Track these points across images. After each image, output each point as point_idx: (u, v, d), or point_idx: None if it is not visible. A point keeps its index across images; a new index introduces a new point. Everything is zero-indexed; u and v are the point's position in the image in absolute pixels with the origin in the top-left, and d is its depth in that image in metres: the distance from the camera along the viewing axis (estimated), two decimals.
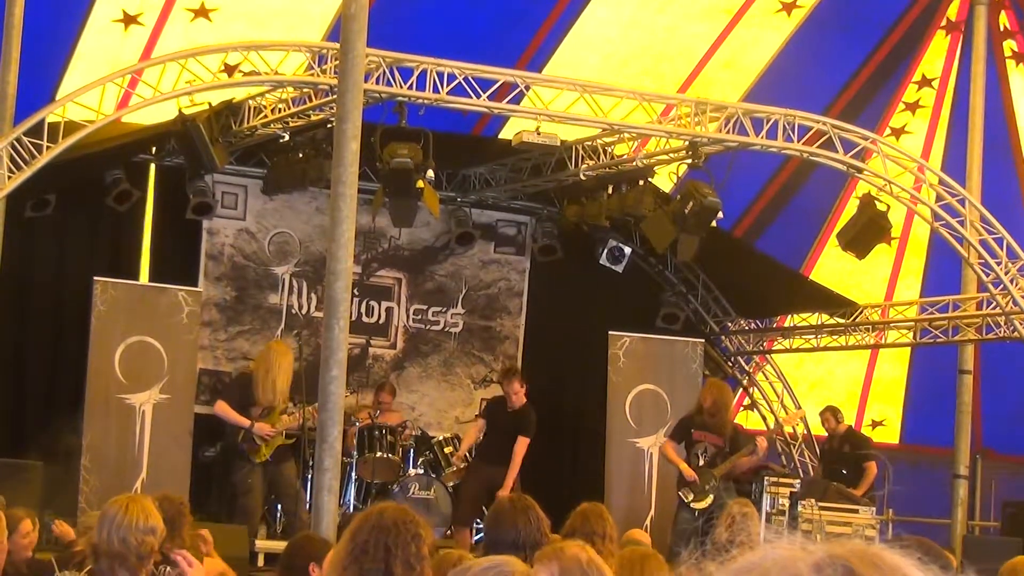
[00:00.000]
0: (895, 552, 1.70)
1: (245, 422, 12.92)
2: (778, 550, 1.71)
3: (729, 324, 17.46)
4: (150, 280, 14.82)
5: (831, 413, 15.76)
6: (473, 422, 14.54)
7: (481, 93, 12.38)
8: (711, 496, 13.39)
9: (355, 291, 14.14)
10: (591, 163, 14.33)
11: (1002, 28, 16.39)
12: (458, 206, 16.15)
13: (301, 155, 13.92)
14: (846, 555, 1.67)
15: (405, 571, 4.81)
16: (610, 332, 15.56)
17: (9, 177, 11.66)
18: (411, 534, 4.84)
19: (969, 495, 16.12)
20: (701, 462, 13.56)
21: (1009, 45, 16.49)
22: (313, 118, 13.10)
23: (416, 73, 12.13)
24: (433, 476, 14.10)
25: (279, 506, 13.81)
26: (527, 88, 12.83)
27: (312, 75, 12.24)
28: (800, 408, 16.55)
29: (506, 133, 14.97)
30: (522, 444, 13.48)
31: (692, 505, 13.46)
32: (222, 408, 13.16)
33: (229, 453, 13.39)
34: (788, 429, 16.93)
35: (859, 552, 1.68)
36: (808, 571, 1.67)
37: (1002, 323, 14.47)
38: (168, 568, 6.84)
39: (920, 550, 1.74)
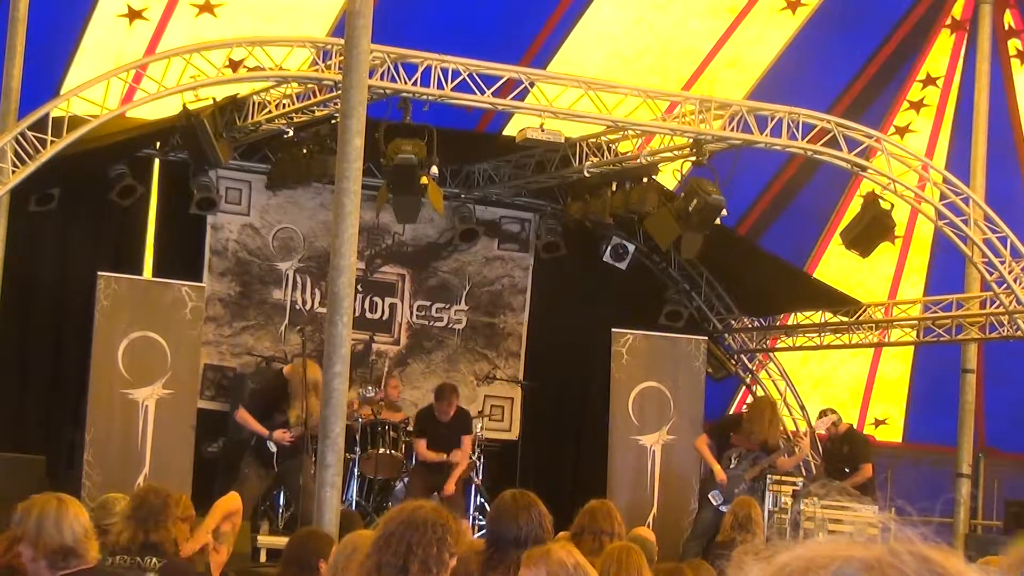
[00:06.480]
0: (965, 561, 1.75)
1: (264, 432, 12.75)
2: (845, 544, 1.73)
3: (732, 322, 17.45)
4: (154, 275, 14.82)
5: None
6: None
7: (485, 89, 12.37)
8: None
9: (358, 287, 14.12)
10: (595, 160, 14.32)
11: (1007, 27, 16.37)
12: (462, 202, 16.15)
13: (305, 151, 13.91)
14: (921, 549, 1.71)
15: (421, 571, 4.79)
16: (613, 329, 15.54)
17: (13, 171, 11.67)
18: (436, 536, 4.82)
19: (972, 494, 16.11)
20: (732, 465, 13.61)
21: (1014, 44, 16.47)
22: (317, 114, 13.09)
23: (420, 69, 12.12)
24: None
25: (281, 501, 13.78)
26: (531, 85, 12.83)
27: (316, 71, 12.23)
28: (830, 413, 15.98)
29: (510, 130, 14.97)
30: (468, 442, 13.79)
31: (722, 508, 13.43)
32: (243, 417, 12.99)
33: (234, 446, 13.36)
34: (821, 431, 16.65)
35: (933, 548, 1.73)
36: (887, 555, 1.68)
37: (1005, 322, 14.46)
38: (154, 560, 6.84)
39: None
